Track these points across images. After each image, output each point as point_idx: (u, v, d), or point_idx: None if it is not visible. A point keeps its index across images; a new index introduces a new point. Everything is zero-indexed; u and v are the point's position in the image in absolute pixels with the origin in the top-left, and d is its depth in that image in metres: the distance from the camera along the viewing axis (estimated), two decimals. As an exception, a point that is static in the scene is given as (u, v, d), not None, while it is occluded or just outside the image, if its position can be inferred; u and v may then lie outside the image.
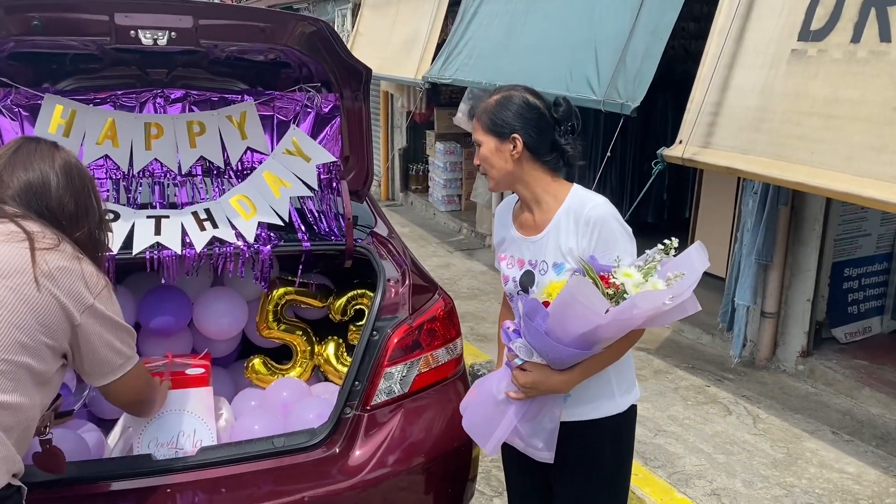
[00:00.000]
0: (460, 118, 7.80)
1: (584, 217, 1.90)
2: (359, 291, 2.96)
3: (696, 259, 1.74)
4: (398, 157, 10.27)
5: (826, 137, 3.27)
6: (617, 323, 1.68)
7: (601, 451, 2.01)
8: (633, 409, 2.06)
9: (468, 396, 2.09)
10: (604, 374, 1.91)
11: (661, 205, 7.99)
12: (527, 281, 2.00)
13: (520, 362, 1.85)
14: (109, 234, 2.03)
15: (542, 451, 1.92)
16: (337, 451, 2.38)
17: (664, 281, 1.69)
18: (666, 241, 1.76)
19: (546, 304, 1.75)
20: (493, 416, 1.92)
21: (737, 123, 3.73)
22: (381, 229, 3.00)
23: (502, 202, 2.21)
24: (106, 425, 2.72)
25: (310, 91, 2.86)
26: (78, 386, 2.53)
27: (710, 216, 6.07)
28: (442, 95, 9.15)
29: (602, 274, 1.75)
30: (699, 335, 5.17)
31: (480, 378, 2.14)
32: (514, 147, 1.94)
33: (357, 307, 2.97)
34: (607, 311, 1.66)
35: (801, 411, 4.07)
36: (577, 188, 2.00)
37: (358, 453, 2.38)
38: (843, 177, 3.15)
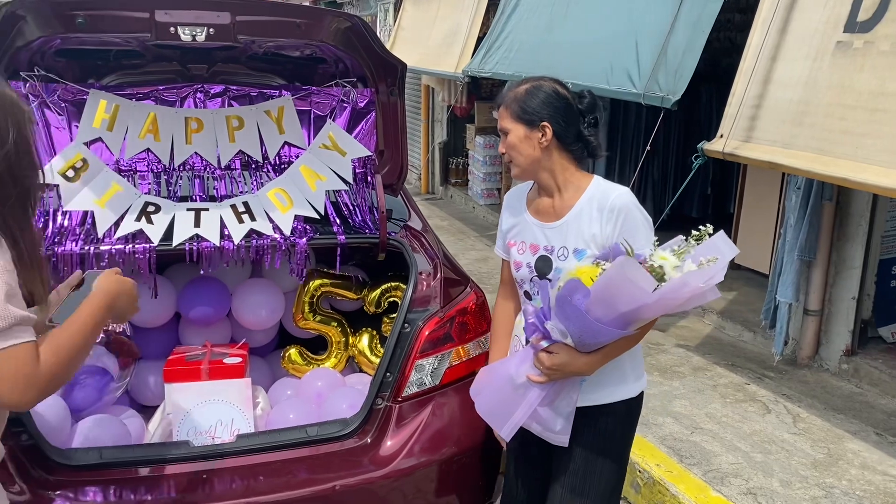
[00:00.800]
0: (500, 112, 7.81)
1: (608, 205, 1.95)
2: (393, 284, 3.00)
3: (723, 246, 1.76)
4: (438, 150, 10.29)
5: (872, 132, 3.19)
6: (662, 302, 1.70)
7: (612, 434, 2.06)
8: (641, 395, 2.12)
9: (479, 381, 2.10)
10: (618, 361, 1.96)
11: (705, 199, 7.87)
12: (543, 266, 2.02)
13: (546, 344, 1.86)
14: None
15: (560, 434, 1.94)
16: (368, 440, 2.41)
17: (696, 265, 1.71)
18: (701, 227, 1.79)
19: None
20: (510, 399, 1.94)
21: (779, 117, 3.66)
22: (415, 223, 3.03)
23: (512, 190, 2.23)
24: (147, 412, 2.81)
25: (346, 86, 2.89)
26: (120, 373, 2.61)
27: (754, 211, 5.96)
28: (482, 89, 9.14)
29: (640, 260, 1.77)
30: (740, 332, 5.09)
31: (494, 363, 2.16)
32: (544, 135, 1.98)
33: (391, 299, 3.01)
34: (655, 289, 1.68)
35: (844, 411, 3.98)
36: (598, 178, 2.05)
37: (389, 443, 2.41)
38: (890, 172, 3.06)
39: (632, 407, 2.08)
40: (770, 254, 5.34)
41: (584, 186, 2.01)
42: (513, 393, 1.92)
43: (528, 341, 1.92)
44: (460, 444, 2.48)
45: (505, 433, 1.98)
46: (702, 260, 1.71)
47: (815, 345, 4.63)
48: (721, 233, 1.78)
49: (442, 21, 8.44)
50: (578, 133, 2.02)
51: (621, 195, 1.96)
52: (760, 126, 3.75)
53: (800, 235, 4.37)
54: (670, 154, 7.78)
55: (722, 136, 3.93)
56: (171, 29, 2.32)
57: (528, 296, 2.09)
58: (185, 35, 2.32)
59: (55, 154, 2.61)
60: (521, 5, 6.59)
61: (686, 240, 1.79)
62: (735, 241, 1.98)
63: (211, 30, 2.34)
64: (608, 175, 7.20)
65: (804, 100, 3.52)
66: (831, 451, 3.58)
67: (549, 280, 1.98)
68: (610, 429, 2.05)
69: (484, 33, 7.34)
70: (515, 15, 6.60)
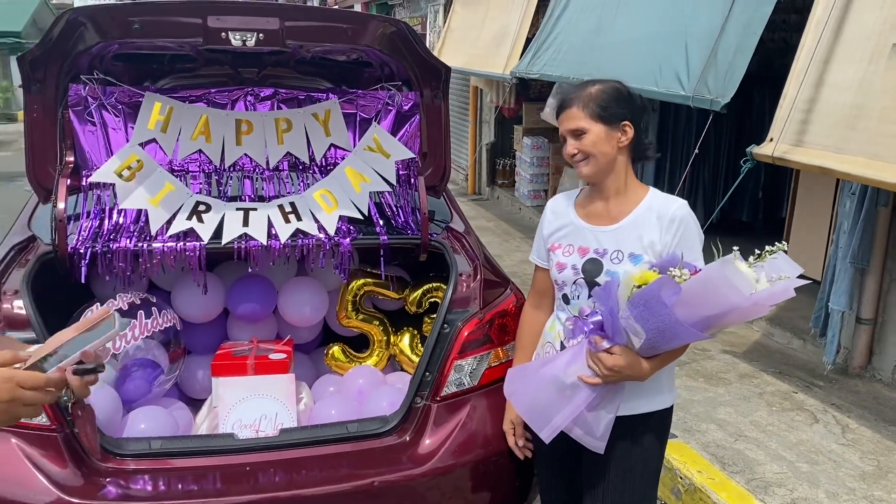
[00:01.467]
0: (548, 113, 7.75)
1: (669, 215, 1.97)
2: (434, 284, 3.03)
3: (784, 266, 1.79)
4: (485, 151, 10.31)
5: (928, 136, 3.10)
6: (752, 307, 1.73)
7: (648, 444, 2.06)
8: (672, 406, 2.13)
9: (513, 380, 2.09)
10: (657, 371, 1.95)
11: (756, 203, 7.71)
12: (593, 269, 2.02)
13: (607, 345, 1.86)
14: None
15: (600, 440, 1.94)
16: (407, 438, 2.45)
17: (769, 281, 1.74)
18: (777, 243, 1.81)
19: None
20: (555, 401, 1.93)
21: (831, 121, 3.58)
22: (457, 224, 3.06)
23: (558, 196, 2.24)
24: (194, 405, 2.90)
25: (391, 89, 2.94)
26: (170, 366, 2.70)
27: (807, 216, 5.82)
28: (530, 90, 9.13)
29: (693, 269, 1.80)
30: (790, 339, 4.98)
31: (531, 363, 2.15)
32: (624, 134, 2.00)
33: (432, 300, 3.04)
34: (751, 294, 1.70)
35: (896, 423, 3.88)
36: (654, 189, 2.07)
37: (427, 442, 2.45)
38: (947, 178, 2.98)
39: (665, 418, 2.09)
40: (822, 260, 5.21)
41: (641, 194, 2.05)
42: (557, 394, 1.92)
43: (562, 346, 1.93)
44: (497, 445, 2.49)
45: (545, 435, 1.97)
46: (773, 276, 1.74)
47: (867, 354, 4.51)
48: (783, 254, 1.80)
49: (491, 22, 8.45)
50: (640, 136, 2.05)
51: (682, 206, 1.99)
52: (812, 130, 3.68)
53: (853, 242, 4.26)
54: (721, 157, 7.65)
55: (772, 139, 3.86)
56: (222, 34, 2.39)
57: (566, 299, 2.09)
58: (235, 40, 2.38)
59: (112, 154, 2.71)
60: (570, 6, 6.57)
61: (759, 255, 1.80)
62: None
63: (260, 35, 2.41)
64: (658, 178, 7.13)
65: (858, 103, 3.44)
66: (881, 463, 3.49)
67: (598, 284, 1.98)
68: (646, 439, 2.05)
69: (532, 34, 7.33)
70: (565, 16, 6.58)
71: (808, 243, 5.65)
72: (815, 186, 5.60)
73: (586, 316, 1.92)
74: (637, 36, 5.35)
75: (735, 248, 1.80)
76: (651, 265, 1.87)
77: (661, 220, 1.97)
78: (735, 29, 4.29)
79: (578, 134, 2.00)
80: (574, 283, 2.05)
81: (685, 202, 2.01)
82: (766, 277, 1.73)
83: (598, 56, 5.75)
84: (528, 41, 7.31)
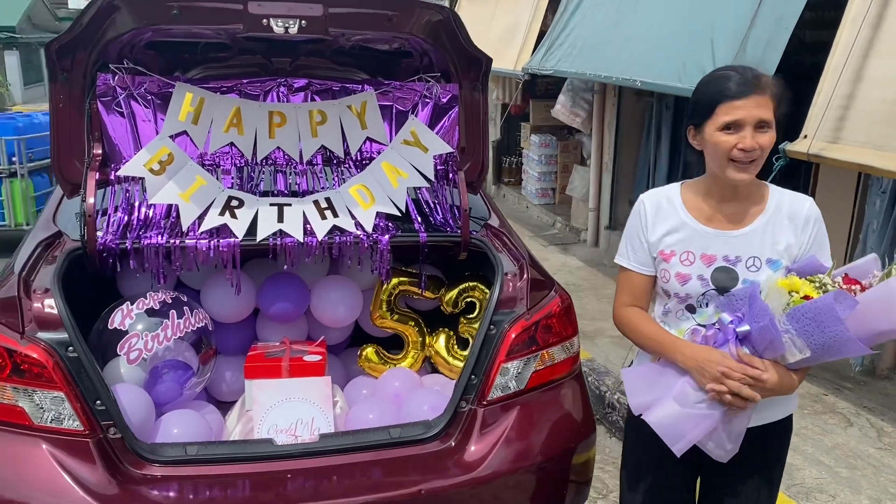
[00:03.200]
0: (559, 110, 7.67)
1: (804, 214, 1.84)
2: (470, 284, 2.93)
3: None
4: (491, 149, 10.21)
5: (976, 133, 3.03)
6: None
7: (782, 449, 1.99)
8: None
9: (638, 385, 1.91)
10: None
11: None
12: (725, 278, 1.84)
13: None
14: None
15: (728, 453, 1.84)
16: (452, 444, 2.35)
17: None
18: None
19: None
20: (693, 415, 1.80)
21: (870, 117, 3.50)
22: (496, 222, 2.96)
23: (653, 195, 1.97)
24: (223, 407, 2.79)
25: (429, 81, 2.84)
26: (202, 367, 2.59)
27: (826, 214, 5.73)
28: (538, 87, 9.03)
29: (844, 275, 1.71)
30: (813, 340, 4.91)
31: (654, 367, 1.94)
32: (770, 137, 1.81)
33: (468, 300, 2.95)
34: None
35: (931, 427, 3.80)
36: (773, 185, 1.91)
37: (473, 448, 2.35)
38: None
39: (789, 423, 1.99)
40: (843, 259, 5.14)
41: (765, 193, 1.88)
42: (694, 409, 1.80)
43: None
44: (546, 452, 2.40)
45: (678, 448, 1.83)
46: None
47: (895, 356, 4.44)
48: None
49: (500, 17, 8.36)
50: None
51: (813, 205, 1.85)
52: (849, 126, 3.60)
53: (884, 241, 4.19)
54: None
55: (806, 136, 3.78)
56: (264, 21, 2.28)
57: (691, 309, 1.91)
58: (277, 27, 2.28)
59: (141, 146, 2.60)
60: (585, 2, 6.47)
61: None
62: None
63: (303, 22, 2.30)
64: (671, 177, 7.04)
65: (900, 99, 3.36)
66: (921, 468, 3.41)
67: (732, 293, 1.83)
68: (780, 445, 1.98)
69: (544, 31, 7.24)
70: (580, 11, 6.49)
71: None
72: (836, 184, 5.52)
73: (730, 324, 1.77)
74: (658, 31, 5.26)
75: (874, 255, 1.70)
76: (787, 270, 1.75)
77: (793, 221, 1.82)
78: (765, 24, 4.20)
79: (763, 128, 1.74)
80: (703, 294, 1.88)
81: (812, 199, 1.86)
82: None
83: (616, 51, 5.65)
84: (540, 37, 7.22)
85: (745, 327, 1.76)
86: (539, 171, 8.95)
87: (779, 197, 1.87)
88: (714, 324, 1.85)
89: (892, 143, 3.36)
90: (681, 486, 2.08)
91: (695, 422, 1.80)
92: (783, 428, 1.97)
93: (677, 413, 1.82)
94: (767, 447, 1.95)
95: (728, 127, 1.75)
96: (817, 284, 1.67)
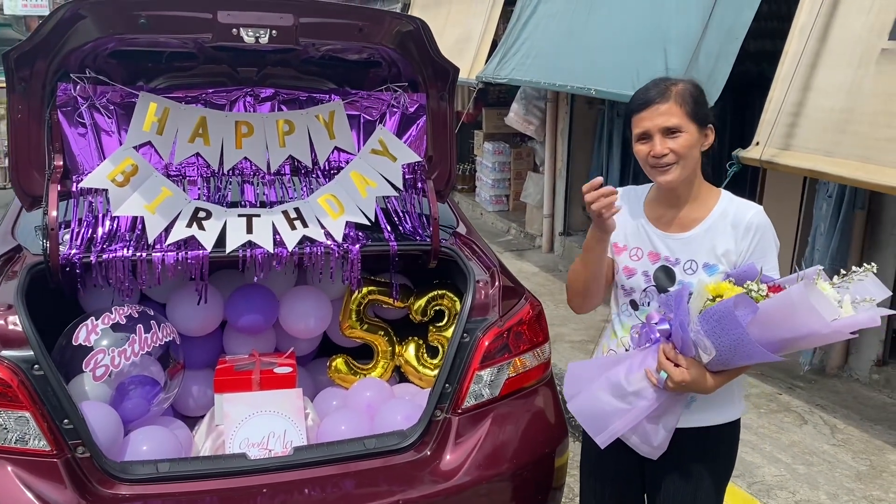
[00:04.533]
0: (512, 118, 7.75)
1: (745, 222, 1.87)
2: (439, 292, 2.94)
3: (873, 288, 1.70)
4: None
5: (920, 140, 3.17)
6: (832, 334, 1.65)
7: (716, 455, 1.99)
8: (740, 417, 2.04)
9: (575, 378, 1.98)
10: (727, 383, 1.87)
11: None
12: (664, 278, 1.93)
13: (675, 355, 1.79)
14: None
15: (657, 449, 1.88)
16: (428, 453, 2.35)
17: (852, 304, 1.66)
18: (866, 264, 1.72)
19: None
20: (614, 407, 1.85)
21: (820, 125, 3.63)
22: (463, 229, 2.97)
23: (631, 187, 2.08)
24: (189, 422, 2.73)
25: (397, 90, 2.84)
26: (169, 382, 2.54)
27: (774, 219, 5.91)
28: (490, 95, 9.11)
29: (771, 284, 1.70)
30: (765, 341, 5.05)
31: (595, 361, 2.04)
32: (708, 138, 1.90)
33: (437, 308, 2.95)
34: (833, 320, 1.62)
35: (881, 422, 3.95)
36: (727, 192, 1.97)
37: (449, 457, 2.35)
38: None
39: (736, 429, 2.01)
40: (790, 262, 5.31)
41: (713, 199, 1.93)
42: (618, 401, 1.85)
43: (626, 349, 1.86)
44: (520, 458, 2.43)
45: (601, 440, 1.89)
46: (857, 298, 1.66)
47: (844, 354, 4.61)
48: (872, 275, 1.71)
49: (452, 27, 8.40)
50: None
51: (759, 213, 1.88)
52: (800, 134, 3.73)
53: (832, 244, 4.35)
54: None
55: (758, 143, 3.90)
56: (234, 31, 2.25)
57: (634, 305, 2.00)
58: (247, 37, 2.25)
59: (104, 157, 2.53)
60: (538, 11, 6.56)
61: (845, 275, 1.72)
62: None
63: (274, 31, 2.28)
64: (627, 183, 7.17)
65: (847, 107, 3.50)
66: (873, 462, 3.54)
67: (669, 293, 1.90)
68: (717, 451, 1.99)
69: (497, 39, 7.30)
70: (533, 20, 6.56)
71: (775, 246, 5.74)
72: (782, 189, 5.70)
73: (654, 323, 1.84)
74: (612, 40, 5.36)
75: (819, 266, 1.73)
76: (727, 275, 1.79)
77: (736, 228, 1.87)
78: (716, 34, 4.33)
79: (673, 133, 1.83)
80: (644, 290, 1.96)
81: (761, 208, 1.90)
82: (849, 300, 1.65)
83: (570, 61, 5.74)
84: (493, 46, 7.28)
85: (665, 326, 1.82)
86: (493, 178, 9.02)
87: (727, 204, 1.92)
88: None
89: (841, 149, 3.49)
90: (636, 476, 2.10)
91: (618, 414, 1.85)
92: (726, 432, 1.97)
93: (596, 402, 1.88)
94: (706, 450, 1.96)
95: (642, 137, 1.87)
96: (746, 291, 1.70)
